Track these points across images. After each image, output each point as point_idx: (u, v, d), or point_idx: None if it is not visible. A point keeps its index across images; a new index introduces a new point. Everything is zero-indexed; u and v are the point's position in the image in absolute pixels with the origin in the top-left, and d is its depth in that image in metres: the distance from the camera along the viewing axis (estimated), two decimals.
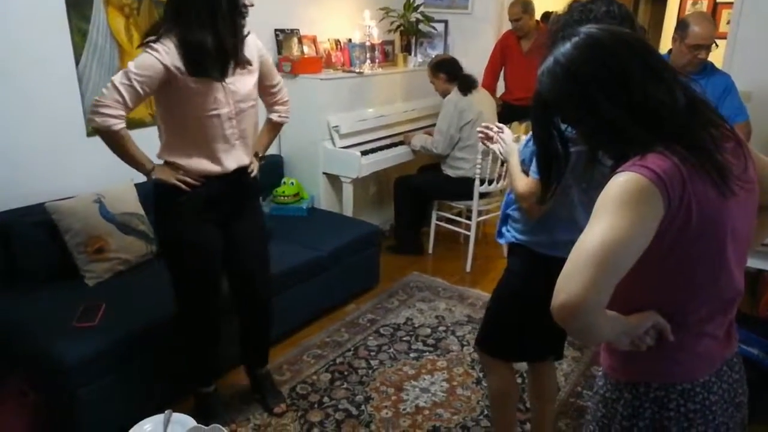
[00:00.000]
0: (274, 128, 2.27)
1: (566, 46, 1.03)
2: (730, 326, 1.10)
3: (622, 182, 0.93)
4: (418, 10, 4.38)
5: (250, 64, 1.92)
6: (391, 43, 4.41)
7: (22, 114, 2.41)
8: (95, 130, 1.81)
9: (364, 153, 3.54)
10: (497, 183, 3.58)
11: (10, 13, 2.31)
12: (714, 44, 2.54)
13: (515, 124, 4.60)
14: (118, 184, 2.61)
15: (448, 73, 3.64)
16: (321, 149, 3.50)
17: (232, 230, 2.07)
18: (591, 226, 0.93)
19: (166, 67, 1.74)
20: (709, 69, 2.65)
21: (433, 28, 4.48)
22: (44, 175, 2.51)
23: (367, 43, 3.87)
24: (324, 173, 3.57)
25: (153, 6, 2.78)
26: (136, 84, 1.74)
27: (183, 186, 1.91)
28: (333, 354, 2.72)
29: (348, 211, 3.58)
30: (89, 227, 2.40)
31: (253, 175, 2.10)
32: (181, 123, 1.88)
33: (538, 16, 4.56)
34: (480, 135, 1.82)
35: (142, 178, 2.71)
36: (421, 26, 4.41)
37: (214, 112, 1.86)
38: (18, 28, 2.34)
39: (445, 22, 4.52)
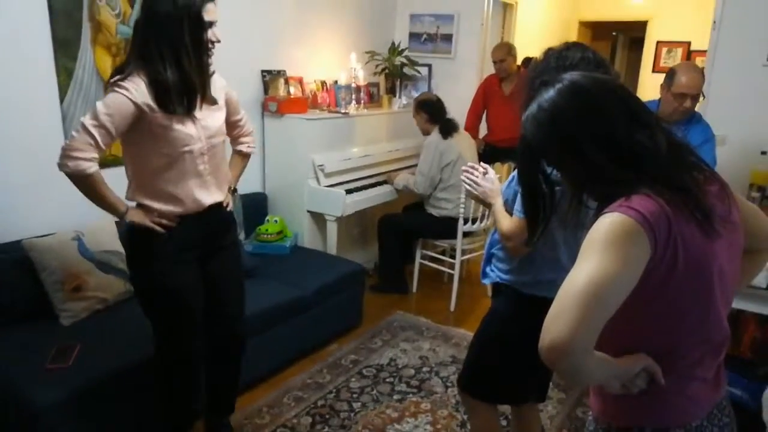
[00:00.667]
0: (243, 159, 2.27)
1: (550, 93, 1.05)
2: (719, 369, 1.10)
3: (609, 223, 0.94)
4: (403, 54, 4.48)
5: (216, 103, 1.92)
6: (377, 85, 4.50)
7: (2, 149, 2.39)
8: (67, 176, 1.75)
9: (349, 192, 3.55)
10: (480, 222, 3.61)
11: None
12: (702, 95, 2.56)
13: (498, 165, 4.68)
14: (98, 221, 2.58)
15: (430, 114, 3.71)
16: (306, 187, 3.51)
17: (209, 268, 2.03)
18: (578, 266, 0.93)
19: (136, 104, 1.71)
20: (695, 119, 2.66)
21: (417, 71, 4.59)
22: (23, 212, 2.48)
23: (353, 85, 3.94)
24: (308, 211, 3.57)
25: None
26: (107, 124, 1.69)
27: (158, 228, 1.85)
28: (314, 396, 2.66)
29: (332, 249, 3.57)
30: (67, 265, 2.36)
31: (229, 209, 2.07)
32: (153, 162, 1.82)
33: (519, 60, 4.71)
34: (464, 177, 1.81)
35: None
36: (406, 69, 4.51)
37: (186, 149, 1.82)
38: (3, 65, 2.35)
39: (429, 65, 4.63)
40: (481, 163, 1.85)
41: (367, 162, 3.86)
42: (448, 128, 3.66)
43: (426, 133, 3.73)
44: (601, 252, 0.92)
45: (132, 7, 2.75)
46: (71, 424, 1.94)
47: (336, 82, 4.01)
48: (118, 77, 1.73)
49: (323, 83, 3.98)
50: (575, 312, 0.88)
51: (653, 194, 0.95)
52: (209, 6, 1.76)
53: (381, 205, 3.88)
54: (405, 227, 3.81)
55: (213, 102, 1.90)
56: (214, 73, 1.91)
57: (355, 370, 2.90)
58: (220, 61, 2.70)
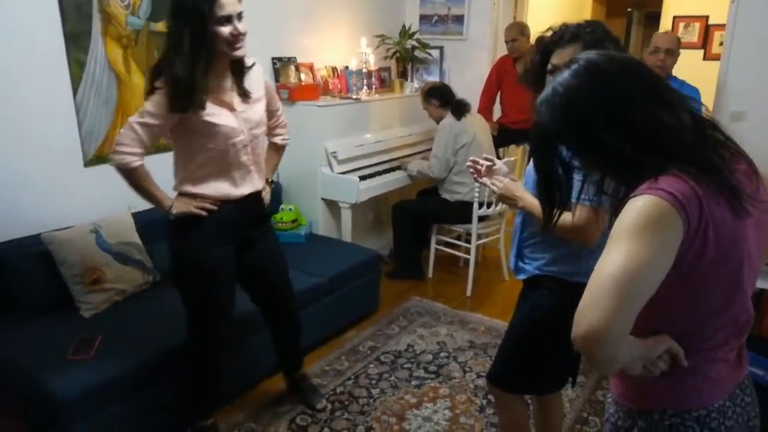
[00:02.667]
0: (278, 151, 2.33)
1: (564, 75, 1.01)
2: (741, 349, 1.08)
3: (640, 206, 0.91)
4: (414, 37, 4.43)
5: (250, 96, 1.95)
6: (388, 69, 4.46)
7: (18, 144, 2.41)
8: (115, 168, 1.86)
9: (363, 178, 3.54)
10: (495, 206, 3.57)
11: (9, 44, 2.33)
12: (673, 51, 3.00)
13: (512, 147, 4.63)
14: (116, 214, 2.61)
15: (440, 98, 3.68)
16: (319, 175, 3.50)
17: (253, 252, 2.13)
18: (609, 253, 0.91)
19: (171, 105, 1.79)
20: (677, 82, 2.91)
21: (429, 54, 4.53)
22: (41, 206, 2.50)
23: (364, 70, 3.90)
24: (322, 199, 3.57)
25: (151, 37, 2.81)
26: (151, 122, 1.80)
27: (202, 212, 1.94)
28: (333, 383, 2.67)
29: (347, 236, 3.57)
30: (86, 258, 2.38)
31: (266, 201, 2.17)
32: (199, 154, 1.91)
33: (532, 40, 4.63)
34: (470, 170, 1.76)
35: (139, 207, 2.74)
36: (417, 53, 4.46)
37: (231, 142, 1.91)
38: (16, 60, 2.36)
39: (441, 48, 4.57)
40: (485, 155, 1.78)
41: (380, 148, 3.84)
42: (460, 108, 3.63)
43: (439, 119, 3.69)
44: (635, 237, 0.89)
45: None
46: (94, 414, 1.97)
47: (347, 67, 3.98)
48: (158, 79, 1.81)
49: (334, 69, 3.95)
50: (611, 300, 0.86)
51: (682, 174, 0.92)
52: (221, 0, 1.73)
53: (395, 190, 3.86)
54: (419, 213, 3.79)
55: (246, 95, 1.94)
56: (254, 64, 1.99)
57: (373, 356, 2.90)
58: None
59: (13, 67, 2.35)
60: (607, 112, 0.97)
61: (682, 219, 0.89)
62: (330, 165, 3.51)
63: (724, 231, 0.93)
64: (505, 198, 1.65)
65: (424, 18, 4.62)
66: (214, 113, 1.85)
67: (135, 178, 1.87)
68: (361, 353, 2.93)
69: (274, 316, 2.34)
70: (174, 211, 1.93)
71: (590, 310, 0.88)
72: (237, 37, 1.79)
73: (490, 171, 1.72)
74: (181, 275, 2.05)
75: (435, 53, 4.57)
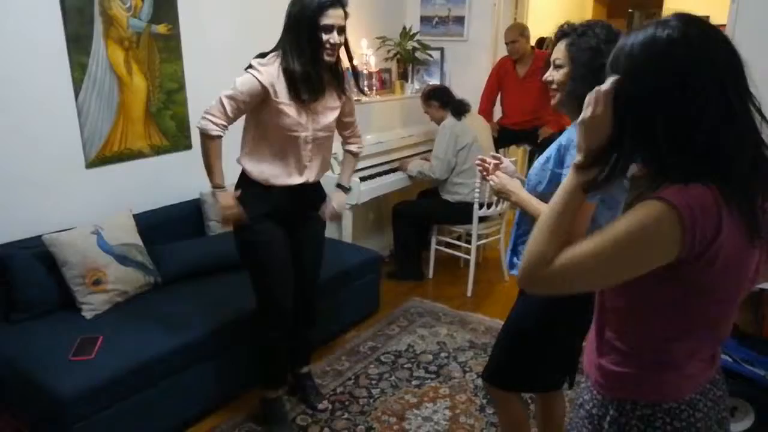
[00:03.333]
0: (353, 158, 2.51)
1: (670, 30, 0.91)
2: (716, 349, 1.10)
3: (646, 216, 0.90)
4: (415, 39, 4.44)
5: (345, 93, 2.21)
6: (389, 70, 4.46)
7: (20, 146, 2.43)
8: (199, 131, 2.07)
9: (363, 179, 3.55)
10: (496, 206, 3.58)
11: (10, 47, 2.34)
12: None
13: (513, 147, 4.64)
14: (117, 215, 2.62)
15: (440, 99, 3.69)
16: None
17: (294, 236, 2.27)
18: (593, 239, 0.93)
19: (262, 84, 2.00)
20: None
21: (430, 55, 4.54)
22: (42, 207, 2.52)
23: (365, 71, 3.91)
24: None
25: (152, 39, 2.82)
26: (237, 96, 2.02)
27: (239, 214, 2.13)
28: (334, 383, 2.68)
29: (347, 237, 3.58)
30: (87, 259, 2.39)
31: (338, 207, 2.37)
32: (264, 136, 2.12)
33: (533, 41, 4.64)
34: (478, 168, 1.79)
35: (140, 208, 2.77)
36: (418, 54, 4.47)
37: (295, 134, 2.10)
38: (18, 63, 2.37)
39: (441, 49, 4.58)
40: (492, 153, 1.81)
41: (381, 149, 3.84)
42: (460, 108, 3.64)
43: (440, 121, 3.70)
44: (628, 238, 0.91)
45: (143, 1, 2.75)
46: (96, 414, 1.98)
47: (348, 68, 3.98)
48: (256, 59, 2.05)
49: None
50: (574, 273, 0.96)
51: (715, 188, 0.90)
52: (330, 11, 1.98)
53: (396, 191, 3.87)
54: (420, 214, 3.80)
55: (335, 100, 2.17)
56: (345, 74, 2.20)
57: (374, 356, 2.91)
58: (232, 52, 2.70)
59: (14, 70, 2.37)
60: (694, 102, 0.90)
61: (685, 238, 0.89)
62: (331, 166, 3.51)
63: (734, 256, 0.93)
64: (499, 192, 1.69)
65: (424, 19, 4.64)
66: (290, 105, 2.05)
67: (207, 146, 2.07)
68: (361, 353, 2.94)
69: (295, 303, 2.35)
70: (217, 195, 2.13)
71: (564, 268, 0.96)
72: (333, 45, 2.02)
73: (497, 169, 1.74)
74: (243, 251, 2.23)
75: (436, 54, 4.58)
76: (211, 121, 2.04)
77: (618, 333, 1.07)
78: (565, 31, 1.57)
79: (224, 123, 2.05)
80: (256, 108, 2.08)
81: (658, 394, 1.04)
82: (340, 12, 2.01)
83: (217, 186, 2.13)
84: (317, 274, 2.45)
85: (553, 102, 1.60)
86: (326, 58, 2.03)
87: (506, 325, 1.82)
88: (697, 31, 0.91)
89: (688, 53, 0.90)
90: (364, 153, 3.67)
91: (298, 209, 2.26)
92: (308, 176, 2.22)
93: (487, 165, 1.74)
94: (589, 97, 0.98)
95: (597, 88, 0.97)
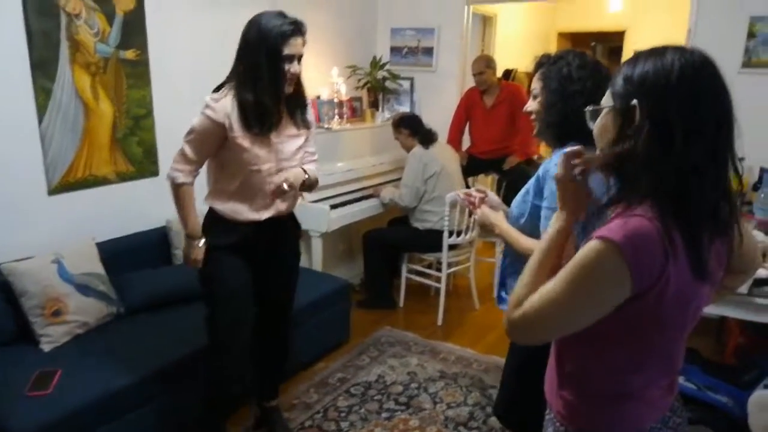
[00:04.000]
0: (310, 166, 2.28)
1: (687, 56, 0.96)
2: (674, 377, 1.12)
3: (591, 253, 0.92)
4: (385, 68, 4.50)
5: (308, 127, 2.14)
6: (359, 99, 4.51)
7: None
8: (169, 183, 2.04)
9: (334, 207, 3.54)
10: (465, 234, 3.61)
11: None
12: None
13: (481, 176, 4.70)
14: (79, 243, 2.55)
15: (410, 127, 3.74)
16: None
17: (266, 270, 2.20)
18: (556, 281, 0.96)
19: (217, 122, 1.93)
20: None
21: (400, 84, 4.61)
22: (1, 234, 2.43)
23: (335, 100, 3.94)
24: None
25: (120, 64, 2.79)
26: (196, 139, 1.98)
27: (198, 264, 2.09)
28: (301, 417, 2.62)
29: (317, 265, 3.55)
30: (47, 289, 2.31)
31: (285, 180, 2.06)
32: (227, 172, 2.04)
33: (499, 73, 4.75)
34: (464, 202, 1.79)
35: (104, 236, 2.70)
36: (388, 83, 4.53)
37: (255, 168, 2.01)
38: None
39: (411, 79, 4.66)
40: (480, 188, 1.82)
41: (352, 176, 3.85)
42: (427, 138, 3.70)
43: (410, 149, 3.75)
44: (577, 282, 0.94)
45: (111, 25, 2.73)
46: None
47: (318, 97, 4.00)
48: (211, 95, 1.97)
49: None
50: (536, 321, 0.99)
51: (659, 220, 0.91)
52: (292, 40, 1.91)
53: (366, 219, 3.87)
54: (390, 241, 3.80)
55: (296, 128, 2.09)
56: (308, 104, 2.15)
57: (343, 388, 2.87)
58: (201, 79, 2.70)
59: None
60: (697, 121, 0.92)
61: (633, 276, 0.90)
62: (301, 194, 3.50)
63: (683, 288, 0.94)
64: (483, 225, 1.69)
65: (394, 50, 4.72)
66: (250, 137, 1.97)
67: (177, 194, 2.03)
68: (330, 385, 2.89)
69: (266, 335, 2.33)
70: (188, 248, 2.09)
71: (522, 319, 1.00)
72: (293, 76, 1.96)
73: (483, 203, 1.75)
74: (200, 280, 2.16)
75: (406, 84, 4.65)
76: (175, 169, 2.01)
77: (576, 365, 1.08)
78: (540, 62, 1.61)
79: (189, 168, 2.01)
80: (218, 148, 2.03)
81: (619, 425, 1.05)
82: (300, 40, 1.95)
83: (191, 235, 2.07)
84: (291, 307, 2.39)
85: (534, 132, 1.64)
86: (286, 88, 1.98)
87: (509, 358, 1.82)
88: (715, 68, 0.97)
89: (712, 84, 0.96)
90: (335, 180, 3.70)
91: (269, 244, 2.16)
92: (277, 208, 2.14)
93: (472, 199, 1.75)
94: (559, 159, 1.08)
95: (566, 152, 1.07)
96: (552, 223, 1.09)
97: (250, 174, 2.02)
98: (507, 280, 1.73)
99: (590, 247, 0.93)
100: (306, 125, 2.13)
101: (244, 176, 2.02)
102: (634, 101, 0.95)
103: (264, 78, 1.91)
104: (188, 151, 1.99)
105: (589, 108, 1.07)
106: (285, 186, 2.05)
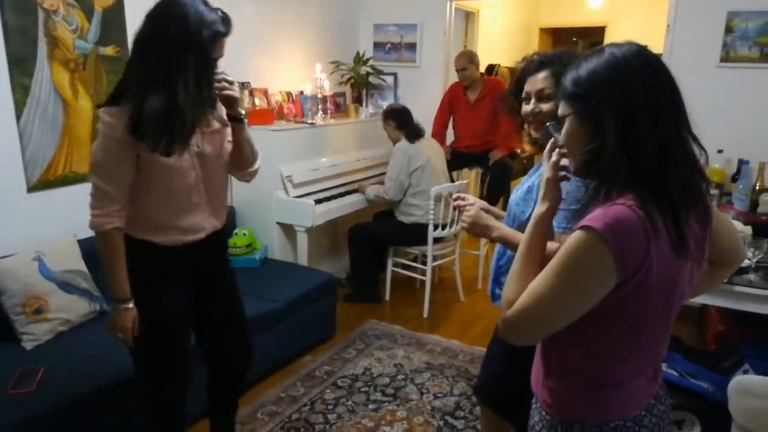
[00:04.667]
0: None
1: (620, 52, 0.99)
2: (657, 365, 1.13)
3: (575, 244, 0.94)
4: (368, 64, 4.50)
5: (226, 125, 1.78)
6: (343, 94, 4.51)
7: None
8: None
9: (318, 201, 3.54)
10: (450, 228, 3.63)
11: None
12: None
13: (465, 170, 4.73)
14: (61, 240, 2.52)
15: (397, 121, 3.75)
16: (274, 199, 3.48)
17: (210, 300, 1.91)
18: (543, 276, 0.98)
19: (117, 139, 1.57)
20: None
21: (383, 80, 4.61)
22: None
23: (319, 95, 3.94)
24: (278, 223, 3.54)
25: (99, 61, 2.76)
26: (105, 168, 1.60)
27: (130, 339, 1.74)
28: (289, 410, 2.63)
29: (303, 260, 3.55)
30: (27, 286, 2.28)
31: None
32: (144, 195, 1.69)
33: (482, 68, 4.78)
34: (455, 204, 1.68)
35: (85, 233, 2.65)
36: (371, 79, 4.53)
37: (181, 183, 1.70)
38: None
39: (395, 74, 4.66)
40: (466, 196, 1.70)
41: (336, 171, 3.86)
42: (413, 133, 3.71)
43: (396, 141, 3.76)
44: (563, 274, 0.95)
45: (89, 21, 2.70)
46: None
47: (302, 92, 4.00)
48: (105, 111, 1.59)
49: (289, 94, 3.97)
50: (528, 319, 1.00)
51: (638, 205, 0.93)
52: (221, 42, 1.64)
53: (351, 214, 3.87)
54: (376, 235, 3.81)
55: (213, 123, 1.75)
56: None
57: (330, 381, 2.87)
58: None
59: None
60: (652, 105, 0.96)
61: (617, 262, 0.91)
62: (285, 189, 3.50)
63: (665, 271, 0.96)
64: (475, 227, 1.55)
65: (377, 45, 4.72)
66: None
67: (105, 246, 1.66)
68: (317, 378, 2.89)
69: (222, 373, 2.08)
70: (120, 312, 1.70)
71: (514, 318, 1.01)
72: (228, 83, 1.70)
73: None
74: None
75: (389, 79, 4.66)
76: (98, 215, 1.62)
77: (562, 355, 1.10)
78: (547, 60, 1.50)
79: (114, 208, 1.62)
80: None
81: (604, 413, 1.06)
82: (225, 40, 1.67)
83: (121, 299, 1.69)
84: (246, 336, 2.07)
85: (539, 134, 1.53)
86: (227, 93, 1.68)
87: (492, 348, 1.83)
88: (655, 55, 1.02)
89: (658, 68, 0.99)
90: (319, 176, 3.71)
91: (206, 261, 1.86)
92: (210, 223, 1.82)
93: (462, 203, 1.64)
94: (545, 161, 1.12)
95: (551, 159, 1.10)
96: (533, 215, 1.11)
97: (173, 190, 1.70)
98: (501, 278, 1.70)
99: (572, 238, 0.95)
100: (223, 123, 1.79)
101: (166, 193, 1.70)
102: (593, 102, 0.98)
103: (189, 86, 1.56)
104: (105, 187, 1.60)
105: (549, 123, 1.10)
106: (230, 87, 1.70)
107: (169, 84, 1.55)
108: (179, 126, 1.58)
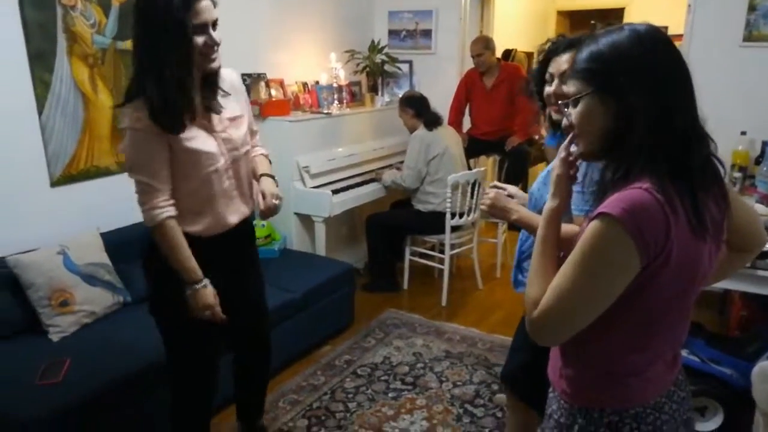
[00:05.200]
0: (266, 159, 2.03)
1: (645, 30, 0.97)
2: (677, 350, 1.12)
3: (597, 232, 0.92)
4: (383, 52, 4.48)
5: (219, 112, 1.75)
6: (358, 83, 4.49)
7: None
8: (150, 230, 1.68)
9: (336, 192, 3.55)
10: (468, 216, 3.62)
11: None
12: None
13: (482, 157, 4.70)
14: (84, 234, 2.57)
15: (415, 109, 3.73)
16: (292, 190, 3.50)
17: (235, 285, 1.92)
18: (567, 270, 0.96)
19: (152, 131, 1.58)
20: None
21: (399, 68, 4.58)
22: (6, 227, 2.45)
23: (335, 85, 3.93)
24: (295, 213, 3.56)
25: (118, 55, 2.79)
26: (144, 164, 1.61)
27: (217, 317, 1.74)
28: (309, 398, 2.66)
29: (321, 250, 3.57)
30: (53, 280, 2.33)
31: (268, 200, 1.84)
32: (180, 184, 1.69)
33: (498, 53, 4.72)
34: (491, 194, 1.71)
35: (108, 226, 2.71)
36: (387, 67, 4.51)
37: (212, 168, 1.71)
38: None
39: (410, 62, 4.63)
40: (501, 183, 1.74)
41: (353, 161, 3.86)
42: (432, 120, 3.69)
43: (413, 129, 3.75)
44: (584, 265, 0.93)
45: (107, 17, 2.72)
46: None
47: (317, 82, 4.00)
48: (123, 110, 1.62)
49: (304, 84, 3.97)
50: (556, 317, 0.98)
51: (656, 189, 0.91)
52: (198, 5, 1.54)
53: (369, 203, 3.88)
54: (393, 224, 3.82)
55: (216, 110, 1.73)
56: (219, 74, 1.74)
57: (350, 370, 2.90)
58: None
59: None
60: (678, 90, 0.95)
61: (638, 247, 0.90)
62: (302, 179, 3.52)
63: (686, 252, 0.94)
64: (494, 209, 1.58)
65: (392, 33, 4.69)
66: (193, 137, 1.65)
67: (162, 236, 1.65)
68: (337, 367, 2.92)
69: (244, 355, 2.14)
70: (196, 293, 1.69)
71: (542, 318, 0.99)
72: (211, 48, 1.61)
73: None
74: (158, 312, 1.84)
75: (405, 67, 4.63)
76: (148, 208, 1.63)
77: (581, 344, 1.07)
78: (571, 42, 1.50)
79: (159, 199, 1.63)
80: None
81: (624, 401, 1.05)
82: (208, 2, 1.57)
83: (193, 281, 1.68)
84: (265, 319, 2.14)
85: (560, 116, 1.53)
86: (209, 65, 1.62)
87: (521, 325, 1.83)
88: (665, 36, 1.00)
89: (671, 50, 0.97)
90: (336, 165, 3.71)
91: (233, 256, 1.90)
92: (241, 211, 1.86)
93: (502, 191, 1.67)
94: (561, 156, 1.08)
95: (568, 156, 1.07)
96: (544, 211, 1.10)
97: (207, 177, 1.71)
98: (524, 264, 1.73)
99: (590, 227, 0.94)
100: (236, 93, 1.79)
101: (200, 181, 1.71)
102: (621, 78, 0.95)
103: (170, 63, 1.53)
104: (144, 179, 1.62)
105: (564, 102, 1.04)
106: (275, 201, 1.82)
107: (157, 61, 1.54)
108: (178, 100, 1.58)
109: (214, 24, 1.61)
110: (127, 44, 2.82)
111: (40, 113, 2.52)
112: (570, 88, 1.02)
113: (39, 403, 1.91)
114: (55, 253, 2.40)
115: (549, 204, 1.09)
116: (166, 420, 2.22)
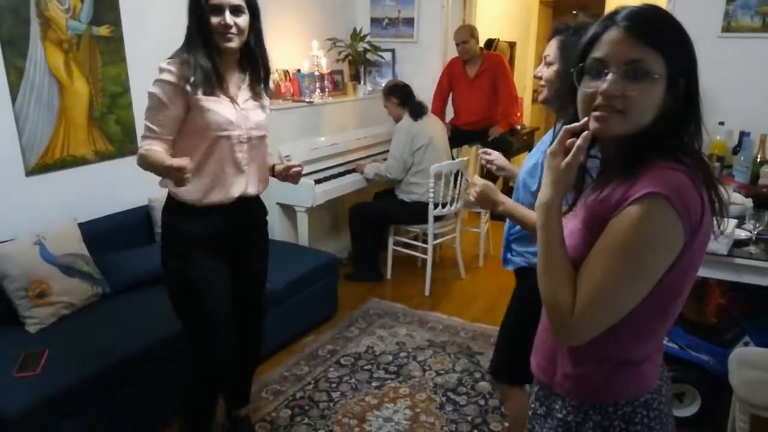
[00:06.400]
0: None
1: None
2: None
3: (646, 216, 0.87)
4: (365, 40, 4.44)
5: (260, 96, 1.98)
6: (341, 72, 4.46)
7: None
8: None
9: (318, 181, 3.53)
10: (451, 206, 3.62)
11: None
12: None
13: (465, 147, 4.70)
14: (61, 224, 2.52)
15: (400, 98, 3.71)
16: (273, 179, 3.46)
17: (237, 263, 2.02)
18: (611, 265, 0.90)
19: (174, 84, 1.77)
20: None
21: (381, 57, 4.55)
22: None
23: (316, 73, 3.90)
24: (278, 203, 3.53)
25: (94, 41, 2.72)
26: (157, 109, 1.78)
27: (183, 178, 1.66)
28: (293, 389, 2.65)
29: (303, 240, 3.55)
30: (29, 271, 2.29)
31: (280, 167, 2.08)
32: (191, 145, 1.83)
33: (482, 42, 4.71)
34: (481, 159, 1.89)
35: (86, 216, 2.66)
36: (369, 55, 4.47)
37: (225, 133, 1.84)
38: None
39: (392, 50, 4.60)
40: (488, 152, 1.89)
41: (335, 150, 3.83)
42: (417, 110, 3.68)
43: (398, 119, 3.73)
44: (628, 251, 0.89)
45: (82, 1, 2.65)
46: None
47: (299, 70, 3.96)
48: (165, 61, 1.81)
49: (286, 72, 3.93)
50: (603, 311, 0.93)
51: (688, 171, 0.90)
52: None
53: (352, 193, 3.86)
54: (376, 214, 3.81)
55: (258, 95, 1.96)
56: (269, 76, 2.04)
57: (333, 359, 2.89)
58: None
59: None
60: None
61: (684, 225, 0.88)
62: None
63: (706, 236, 0.94)
64: (483, 200, 1.60)
65: (374, 21, 4.65)
66: (215, 101, 1.82)
67: (143, 161, 1.75)
68: (320, 357, 2.91)
69: (236, 334, 2.11)
70: (165, 166, 1.63)
71: (585, 320, 0.93)
72: (225, 28, 1.78)
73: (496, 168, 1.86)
74: (175, 291, 1.96)
75: (387, 56, 4.60)
76: (140, 149, 1.78)
77: (595, 340, 0.98)
78: (559, 29, 1.58)
79: (156, 144, 1.78)
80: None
81: (638, 389, 1.04)
82: None
83: (167, 167, 1.65)
84: (261, 309, 2.22)
85: (540, 97, 1.62)
86: (224, 44, 1.80)
87: (505, 318, 1.85)
88: None
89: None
90: (319, 155, 3.68)
91: (240, 231, 1.99)
92: (248, 185, 1.94)
93: (489, 157, 1.84)
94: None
95: (579, 141, 0.95)
96: (543, 205, 1.00)
97: (218, 141, 1.83)
98: (512, 245, 1.77)
99: (635, 209, 0.88)
100: (267, 94, 2.04)
101: (212, 144, 1.83)
102: (690, 60, 0.96)
103: (193, 35, 1.80)
104: (151, 126, 1.78)
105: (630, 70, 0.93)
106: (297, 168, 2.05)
107: (188, 38, 1.82)
108: (204, 65, 1.78)
109: (235, 9, 1.80)
110: (102, 30, 2.75)
111: (13, 101, 2.46)
112: (647, 65, 0.93)
113: (17, 395, 1.87)
114: (32, 244, 2.35)
115: (548, 193, 0.98)
116: (145, 411, 2.20)
